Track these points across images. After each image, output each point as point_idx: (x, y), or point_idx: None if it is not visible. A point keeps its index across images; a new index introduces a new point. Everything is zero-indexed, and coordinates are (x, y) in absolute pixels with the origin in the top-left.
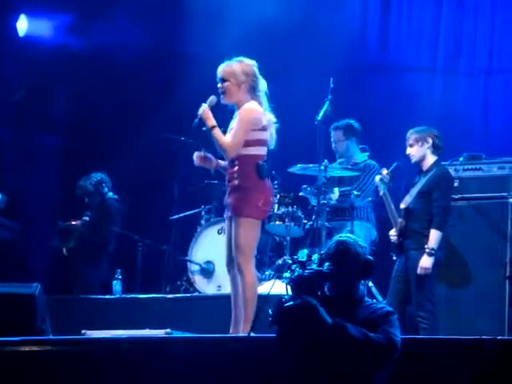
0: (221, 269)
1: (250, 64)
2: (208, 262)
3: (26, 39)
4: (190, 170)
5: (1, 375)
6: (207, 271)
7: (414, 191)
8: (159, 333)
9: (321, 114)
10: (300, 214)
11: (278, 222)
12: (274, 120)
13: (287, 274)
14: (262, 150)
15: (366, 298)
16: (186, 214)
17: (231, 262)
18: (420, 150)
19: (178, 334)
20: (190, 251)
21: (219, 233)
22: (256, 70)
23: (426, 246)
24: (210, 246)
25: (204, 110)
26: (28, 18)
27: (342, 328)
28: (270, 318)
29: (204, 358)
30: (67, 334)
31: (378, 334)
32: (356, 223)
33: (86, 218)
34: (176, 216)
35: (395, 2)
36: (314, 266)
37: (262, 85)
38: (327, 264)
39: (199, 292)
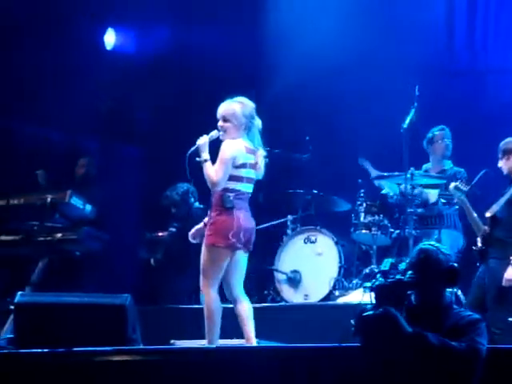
0: (308, 278)
1: (250, 106)
2: (295, 272)
3: (113, 52)
4: (275, 180)
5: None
6: (294, 280)
7: (502, 200)
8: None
9: (407, 121)
10: (386, 222)
11: (364, 231)
12: (264, 154)
13: (368, 284)
14: (233, 185)
15: (455, 306)
16: (271, 224)
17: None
18: (507, 163)
19: (265, 344)
20: (276, 260)
21: (305, 242)
22: (254, 111)
23: (511, 257)
24: (296, 256)
25: (204, 142)
26: (115, 32)
27: (421, 337)
28: (353, 328)
29: (291, 368)
30: (156, 344)
31: (463, 341)
32: (443, 231)
33: (173, 229)
34: (262, 226)
35: (482, 3)
36: (398, 276)
37: (257, 123)
38: (409, 273)
39: (286, 301)
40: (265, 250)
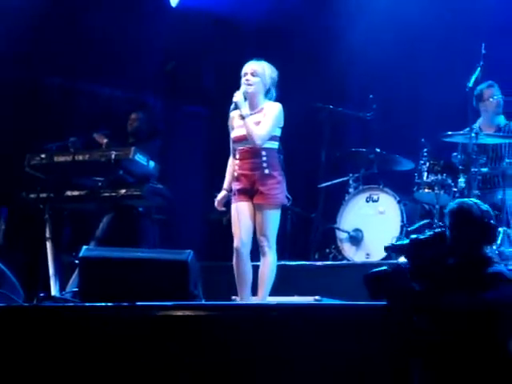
0: (369, 237)
1: (276, 72)
2: (357, 230)
3: (177, 10)
4: (337, 138)
5: (156, 338)
6: (356, 239)
7: None
8: (308, 300)
9: (472, 80)
10: (450, 181)
11: (427, 190)
12: None
13: (392, 242)
14: (277, 145)
15: (497, 265)
16: (333, 182)
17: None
18: None
19: (327, 301)
20: (338, 219)
21: (367, 201)
22: (277, 78)
23: None
24: (358, 214)
25: (240, 98)
26: None
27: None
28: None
29: (351, 325)
30: (218, 300)
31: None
32: (508, 192)
33: None
34: (324, 184)
35: None
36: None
37: (273, 91)
38: (438, 227)
39: (348, 260)
40: (326, 208)
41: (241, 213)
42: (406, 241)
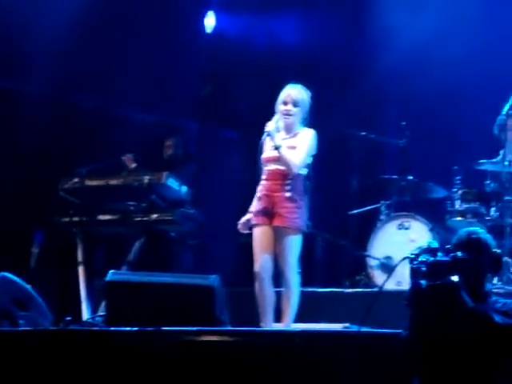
0: (401, 264)
1: (309, 94)
2: (388, 258)
3: (213, 35)
4: (370, 165)
5: (181, 363)
6: (387, 266)
7: None
8: (337, 327)
9: (506, 107)
10: (483, 210)
11: (459, 218)
12: None
13: (416, 260)
14: (305, 171)
15: (494, 297)
16: (365, 209)
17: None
18: None
19: (354, 329)
20: (369, 246)
21: (399, 228)
22: (310, 100)
23: None
24: (389, 242)
25: (274, 127)
26: (215, 15)
27: (486, 313)
28: (405, 302)
29: (380, 352)
30: (245, 326)
31: None
32: None
33: None
34: (355, 211)
35: None
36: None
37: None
38: (460, 253)
39: (378, 287)
40: (357, 235)
41: (260, 236)
42: (436, 258)
